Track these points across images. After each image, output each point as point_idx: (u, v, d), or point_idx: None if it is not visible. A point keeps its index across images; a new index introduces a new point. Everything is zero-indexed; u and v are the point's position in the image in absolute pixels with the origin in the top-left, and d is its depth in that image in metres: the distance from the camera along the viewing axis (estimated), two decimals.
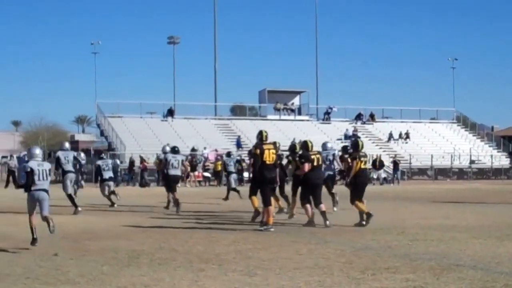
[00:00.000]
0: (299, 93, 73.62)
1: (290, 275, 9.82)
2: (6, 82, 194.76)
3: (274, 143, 17.00)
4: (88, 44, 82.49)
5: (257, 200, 17.31)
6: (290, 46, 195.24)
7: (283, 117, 70.20)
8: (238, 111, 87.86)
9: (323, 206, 17.26)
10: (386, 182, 52.81)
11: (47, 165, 13.54)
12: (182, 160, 24.51)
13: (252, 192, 17.46)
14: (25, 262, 11.08)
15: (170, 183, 23.58)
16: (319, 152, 18.37)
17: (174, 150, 24.29)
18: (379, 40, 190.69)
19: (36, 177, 13.17)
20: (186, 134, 61.93)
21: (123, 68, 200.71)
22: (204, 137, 61.79)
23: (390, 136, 67.74)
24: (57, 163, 22.59)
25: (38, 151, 13.77)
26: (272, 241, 13.92)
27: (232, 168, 28.77)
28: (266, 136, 16.71)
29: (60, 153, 22.49)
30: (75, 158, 22.87)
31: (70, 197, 21.75)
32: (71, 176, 22.22)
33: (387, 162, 56.97)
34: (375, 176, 53.34)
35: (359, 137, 18.90)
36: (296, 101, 72.57)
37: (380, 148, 64.55)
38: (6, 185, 41.57)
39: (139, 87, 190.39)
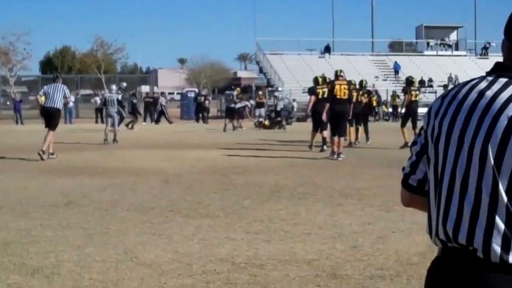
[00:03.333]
0: (456, 28, 71.62)
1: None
2: (174, 23, 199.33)
3: (349, 81, 19.07)
4: None
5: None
6: None
7: (440, 52, 68.50)
8: (396, 47, 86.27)
9: (325, 133, 19.50)
10: None
11: (115, 96, 23.41)
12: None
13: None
14: (171, 195, 11.22)
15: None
16: (328, 85, 19.26)
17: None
18: None
19: (107, 103, 23.22)
20: (343, 70, 61.33)
21: (282, 6, 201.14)
22: (361, 73, 61.08)
23: None
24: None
25: (114, 86, 24.60)
26: None
27: None
28: (341, 73, 18.28)
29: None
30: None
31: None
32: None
33: None
34: None
35: (412, 77, 22.66)
36: (453, 36, 70.62)
37: None
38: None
39: (297, 25, 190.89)
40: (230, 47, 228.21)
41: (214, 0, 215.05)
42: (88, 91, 68.53)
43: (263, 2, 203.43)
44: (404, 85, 25.05)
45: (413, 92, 21.33)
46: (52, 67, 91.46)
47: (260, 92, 45.58)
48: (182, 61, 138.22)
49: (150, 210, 9.83)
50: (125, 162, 16.90)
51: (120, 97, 22.64)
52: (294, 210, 9.68)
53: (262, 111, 41.46)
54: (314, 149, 19.71)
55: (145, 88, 59.91)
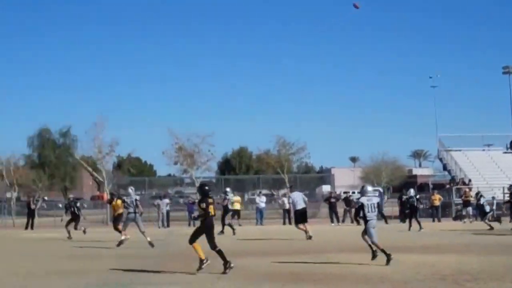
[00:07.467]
0: None
1: None
2: (347, 120, 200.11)
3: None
4: (427, 78, 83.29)
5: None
6: None
7: None
8: None
9: None
10: None
11: (375, 199, 17.80)
12: None
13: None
14: None
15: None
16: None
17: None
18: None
19: (366, 209, 17.36)
20: None
21: (461, 100, 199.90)
22: None
23: None
24: None
25: (369, 188, 18.22)
26: None
27: None
28: None
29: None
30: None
31: None
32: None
33: None
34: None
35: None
36: None
37: None
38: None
39: (479, 119, 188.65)
40: (404, 144, 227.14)
41: (393, 99, 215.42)
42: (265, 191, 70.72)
43: (441, 97, 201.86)
44: None
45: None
46: (230, 167, 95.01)
47: (467, 190, 47.02)
48: (353, 159, 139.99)
49: None
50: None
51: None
52: None
53: (470, 210, 44.34)
54: None
55: (325, 188, 61.13)
